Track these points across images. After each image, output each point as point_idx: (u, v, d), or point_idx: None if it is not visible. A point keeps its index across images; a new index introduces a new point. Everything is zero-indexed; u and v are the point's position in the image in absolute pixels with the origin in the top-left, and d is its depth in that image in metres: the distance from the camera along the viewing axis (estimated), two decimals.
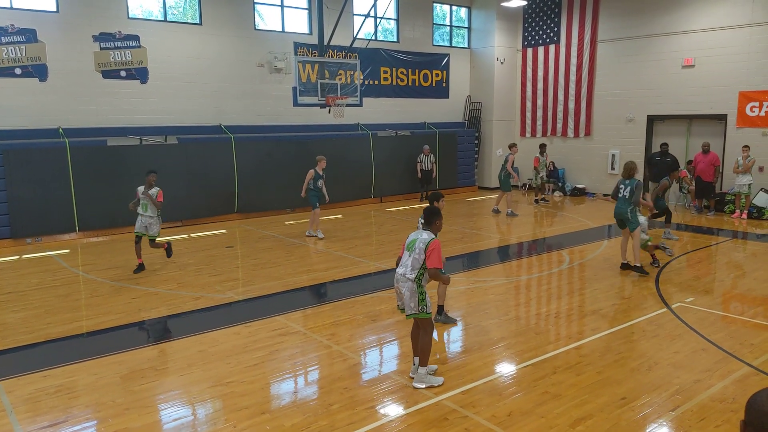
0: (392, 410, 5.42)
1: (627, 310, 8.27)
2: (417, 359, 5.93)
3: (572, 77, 19.86)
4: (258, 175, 15.87)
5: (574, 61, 19.75)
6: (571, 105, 19.98)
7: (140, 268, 10.33)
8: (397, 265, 6.00)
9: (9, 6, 13.00)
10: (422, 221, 6.13)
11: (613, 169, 19.08)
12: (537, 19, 20.63)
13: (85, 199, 13.46)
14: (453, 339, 7.38)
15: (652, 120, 18.23)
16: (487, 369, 6.32)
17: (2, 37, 12.90)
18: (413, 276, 5.75)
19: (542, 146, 18.54)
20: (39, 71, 13.42)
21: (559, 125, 20.47)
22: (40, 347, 7.28)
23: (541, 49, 20.66)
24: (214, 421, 5.26)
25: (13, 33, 13.02)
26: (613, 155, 19.12)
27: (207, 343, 7.10)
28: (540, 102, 20.94)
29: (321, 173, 13.04)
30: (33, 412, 5.47)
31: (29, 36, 13.22)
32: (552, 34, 20.26)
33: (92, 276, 10.28)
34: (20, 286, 9.78)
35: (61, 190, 13.13)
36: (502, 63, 21.06)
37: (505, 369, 6.34)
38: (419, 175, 18.70)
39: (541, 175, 18.44)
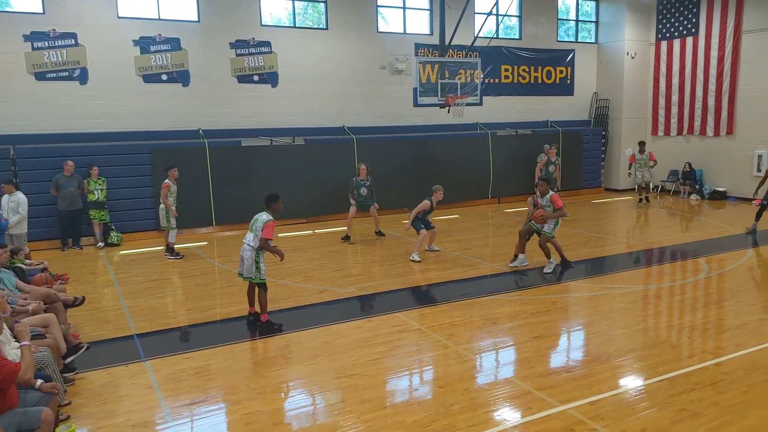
0: (514, 416, 5.31)
1: None
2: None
3: (712, 71, 18.32)
4: (378, 175, 16.13)
5: (714, 54, 18.21)
6: (711, 101, 18.45)
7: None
8: None
9: (157, 17, 14.24)
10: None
11: (759, 171, 17.37)
12: (673, 10, 19.26)
13: (221, 196, 14.45)
14: (578, 347, 7.10)
15: None
16: (615, 380, 6.01)
17: (151, 46, 14.16)
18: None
19: (641, 143, 17.73)
20: (182, 77, 14.58)
21: (697, 123, 18.98)
22: (182, 331, 7.93)
23: (677, 42, 19.27)
24: (338, 411, 5.44)
25: (160, 42, 14.25)
26: (760, 156, 17.41)
27: (331, 335, 7.36)
28: (675, 98, 19.53)
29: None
30: (176, 390, 5.95)
31: (174, 44, 14.40)
32: (690, 26, 18.83)
33: (227, 267, 11.02)
34: (164, 274, 10.69)
35: (200, 187, 14.19)
36: (632, 58, 19.89)
37: (636, 382, 5.99)
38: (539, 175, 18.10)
39: (641, 174, 17.59)
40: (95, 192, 12.88)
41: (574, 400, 5.50)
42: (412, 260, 11.02)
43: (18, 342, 4.95)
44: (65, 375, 6.06)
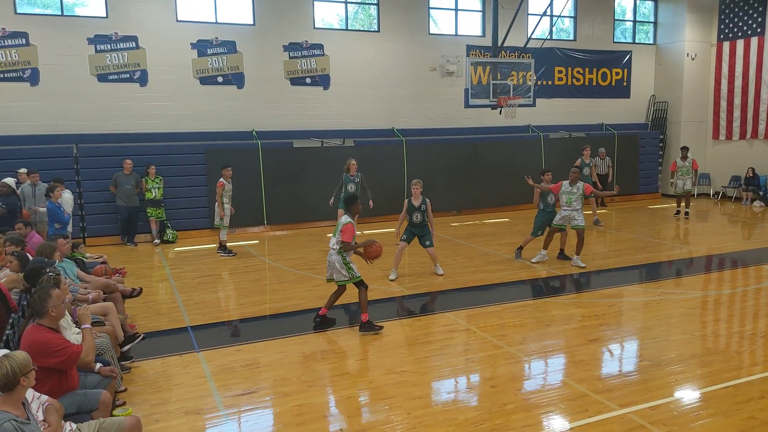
0: (571, 418, 5.12)
1: None
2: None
3: None
4: (427, 177, 16.01)
5: None
6: None
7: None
8: None
9: (214, 21, 14.59)
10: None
11: None
12: (736, 9, 18.50)
13: (272, 196, 14.65)
14: (636, 351, 6.83)
15: None
16: (676, 386, 5.74)
17: (208, 49, 14.51)
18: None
19: (684, 149, 15.85)
20: (237, 79, 14.88)
21: (762, 127, 18.13)
22: (233, 324, 8.03)
23: (740, 42, 18.49)
24: (389, 407, 5.37)
25: (217, 45, 14.59)
26: None
27: (381, 332, 7.30)
28: (738, 101, 18.72)
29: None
30: (228, 381, 6.02)
31: (230, 47, 14.72)
32: (755, 25, 18.03)
33: (278, 265, 11.14)
34: (217, 270, 10.89)
35: (253, 187, 14.43)
36: (693, 59, 19.20)
37: (699, 388, 5.70)
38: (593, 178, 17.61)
39: (681, 182, 15.53)
40: (152, 190, 13.26)
41: (634, 404, 5.27)
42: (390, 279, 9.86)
43: (79, 327, 5.09)
44: (122, 363, 6.21)
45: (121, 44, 13.76)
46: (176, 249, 12.89)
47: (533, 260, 10.85)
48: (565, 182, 10.71)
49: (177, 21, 14.20)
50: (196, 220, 14.11)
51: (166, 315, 8.23)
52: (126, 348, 6.44)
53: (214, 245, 12.53)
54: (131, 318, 7.73)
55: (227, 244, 12.13)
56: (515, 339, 7.06)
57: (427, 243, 9.81)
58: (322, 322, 7.58)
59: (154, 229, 13.39)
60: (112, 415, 4.85)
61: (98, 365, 4.95)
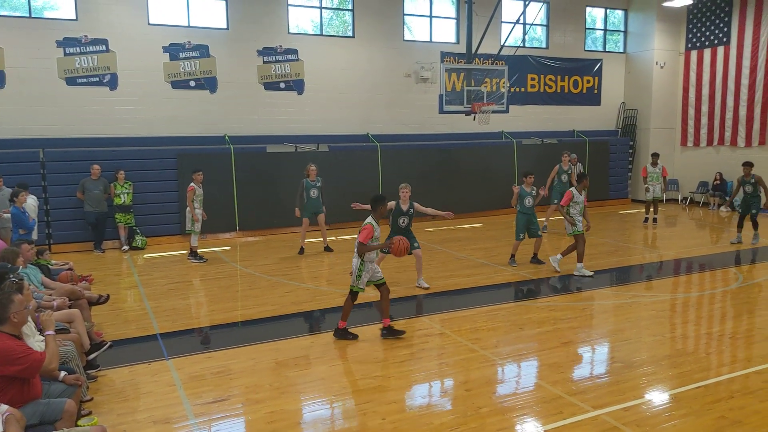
0: (545, 420, 5.12)
1: None
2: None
3: (744, 81, 17.94)
4: (401, 182, 16.02)
5: (747, 63, 17.85)
6: (743, 112, 18.04)
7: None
8: None
9: (187, 25, 14.41)
10: None
11: None
12: (704, 19, 18.96)
13: (245, 202, 14.48)
14: (609, 353, 6.87)
15: None
16: (649, 387, 5.79)
17: (180, 53, 14.32)
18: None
19: (654, 155, 15.98)
20: (210, 83, 14.71)
21: (728, 134, 18.57)
22: (204, 331, 7.89)
23: (707, 52, 18.94)
24: (363, 412, 5.31)
25: (190, 49, 14.41)
26: None
27: (355, 340, 7.22)
28: (705, 109, 19.16)
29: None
30: (198, 389, 5.88)
31: (203, 51, 14.55)
32: (721, 35, 18.50)
33: (250, 271, 10.99)
34: (188, 277, 10.70)
35: (225, 193, 14.24)
36: (661, 67, 19.60)
37: (671, 389, 5.75)
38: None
39: (654, 188, 15.60)
40: (121, 196, 12.99)
41: (607, 406, 5.30)
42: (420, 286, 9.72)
43: (43, 335, 4.92)
44: (88, 372, 6.03)
45: (91, 47, 13.51)
46: (146, 255, 12.65)
47: (553, 263, 10.65)
48: (574, 191, 10.35)
49: (148, 24, 13.99)
50: (166, 226, 13.86)
51: (135, 322, 8.03)
52: (92, 356, 6.27)
53: (185, 251, 12.32)
54: (98, 326, 7.53)
55: (198, 250, 11.95)
56: (489, 342, 7.06)
57: (416, 245, 9.57)
58: (389, 333, 7.21)
59: (123, 235, 13.13)
60: (76, 426, 4.71)
61: (62, 373, 4.79)
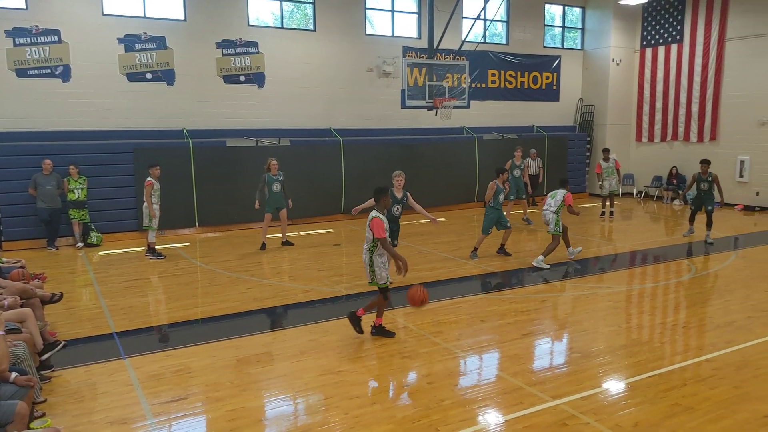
0: (506, 411, 5.19)
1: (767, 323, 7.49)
2: None
3: (696, 78, 18.52)
4: (364, 177, 16.05)
5: (699, 60, 18.43)
6: (695, 108, 18.63)
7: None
8: None
9: (143, 16, 14.04)
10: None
11: (741, 176, 17.58)
12: (658, 17, 19.47)
13: (204, 197, 14.23)
14: (568, 344, 7.01)
15: None
16: (606, 376, 5.93)
17: (136, 44, 13.96)
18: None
19: (605, 150, 16.30)
20: (167, 76, 14.38)
21: (681, 129, 19.15)
22: (162, 329, 7.73)
23: (661, 49, 19.47)
24: (326, 407, 5.29)
25: (146, 40, 14.05)
26: (742, 161, 17.59)
27: (318, 332, 7.21)
28: (659, 105, 19.70)
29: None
30: (157, 388, 5.76)
31: (159, 43, 14.21)
32: (675, 33, 19.03)
33: (210, 267, 10.82)
34: (145, 274, 10.47)
35: (183, 188, 13.97)
36: (617, 64, 20.06)
37: (627, 377, 5.91)
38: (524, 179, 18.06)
39: (608, 183, 15.81)
40: (75, 191, 12.62)
41: (566, 395, 5.41)
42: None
43: None
44: (41, 372, 5.85)
45: (42, 38, 13.04)
46: (101, 252, 12.32)
47: (570, 256, 11.09)
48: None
49: (103, 15, 13.59)
50: (122, 222, 13.52)
51: (90, 321, 7.82)
52: (45, 356, 6.07)
53: (142, 248, 12.04)
54: (51, 325, 7.31)
55: (156, 247, 11.70)
56: (451, 335, 7.12)
57: (395, 242, 9.49)
58: (378, 332, 7.07)
59: (77, 231, 12.75)
60: (29, 428, 4.56)
61: (14, 375, 4.64)
